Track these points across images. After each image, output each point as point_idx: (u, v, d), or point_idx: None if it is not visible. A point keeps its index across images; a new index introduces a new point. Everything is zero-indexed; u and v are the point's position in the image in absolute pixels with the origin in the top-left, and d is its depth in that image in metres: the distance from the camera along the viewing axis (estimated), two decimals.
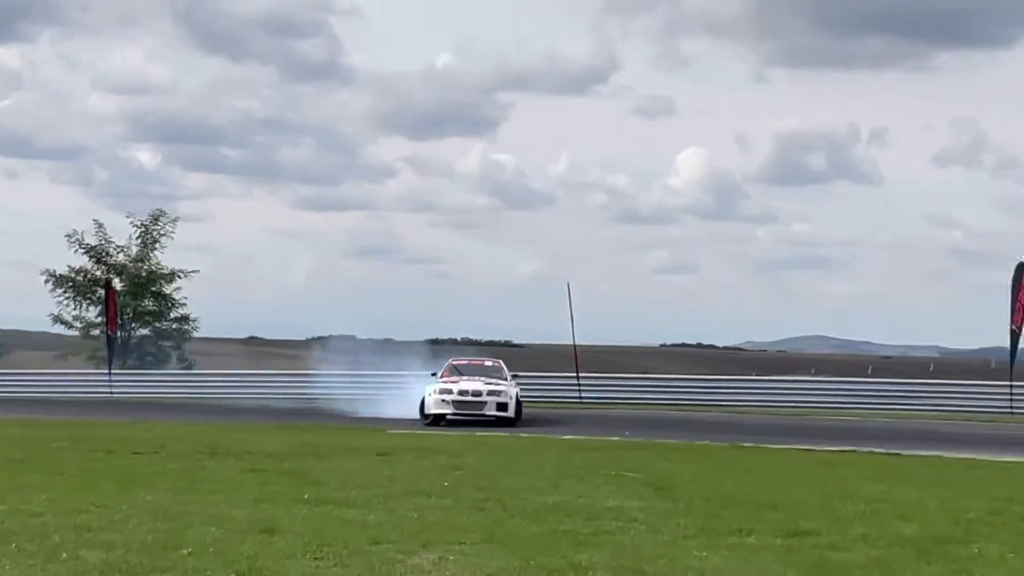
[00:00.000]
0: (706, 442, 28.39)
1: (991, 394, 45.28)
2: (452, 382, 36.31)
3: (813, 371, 71.26)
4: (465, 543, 12.55)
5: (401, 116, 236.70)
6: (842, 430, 35.01)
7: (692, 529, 13.77)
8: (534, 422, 35.71)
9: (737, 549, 12.60)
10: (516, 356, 57.30)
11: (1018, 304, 43.68)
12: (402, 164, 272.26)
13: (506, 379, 37.15)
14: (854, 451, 26.66)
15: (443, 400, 35.64)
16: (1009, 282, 44.58)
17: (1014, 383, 43.92)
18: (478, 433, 30.38)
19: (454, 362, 38.52)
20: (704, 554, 12.24)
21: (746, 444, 27.73)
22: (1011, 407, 43.38)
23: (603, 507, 15.48)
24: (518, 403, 35.98)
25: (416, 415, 36.11)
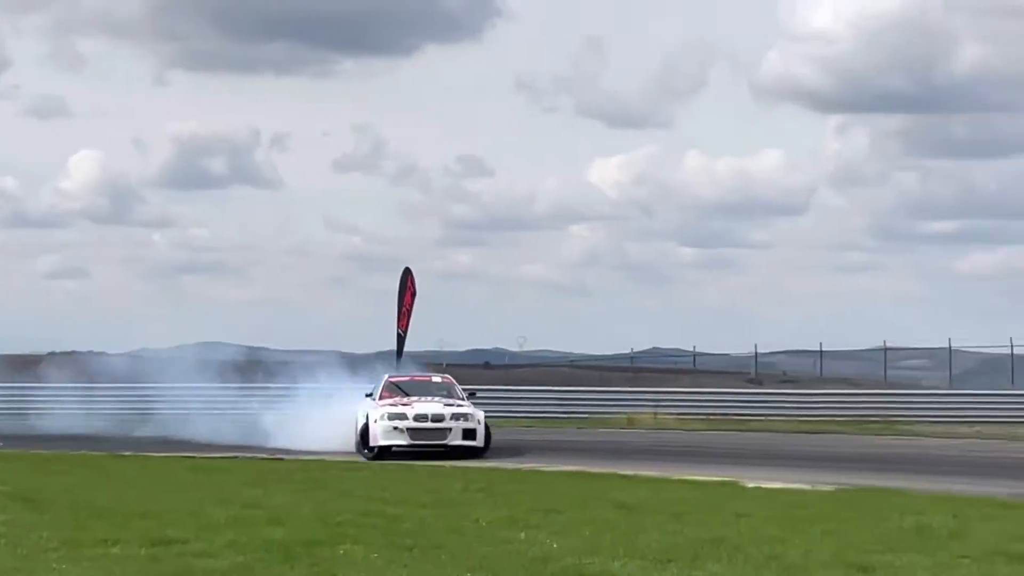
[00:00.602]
0: (84, 452, 27.67)
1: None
2: (403, 404, 29.12)
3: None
4: None
5: None
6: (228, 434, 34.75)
7: (55, 541, 13.20)
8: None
9: (101, 560, 12.17)
10: None
11: (404, 308, 44.97)
12: None
13: (463, 398, 30.23)
14: (235, 457, 26.60)
15: (395, 428, 28.41)
16: (397, 286, 45.83)
17: None
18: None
19: (393, 379, 31.40)
20: (65, 566, 11.78)
21: (125, 453, 27.20)
22: None
23: None
24: (487, 428, 28.98)
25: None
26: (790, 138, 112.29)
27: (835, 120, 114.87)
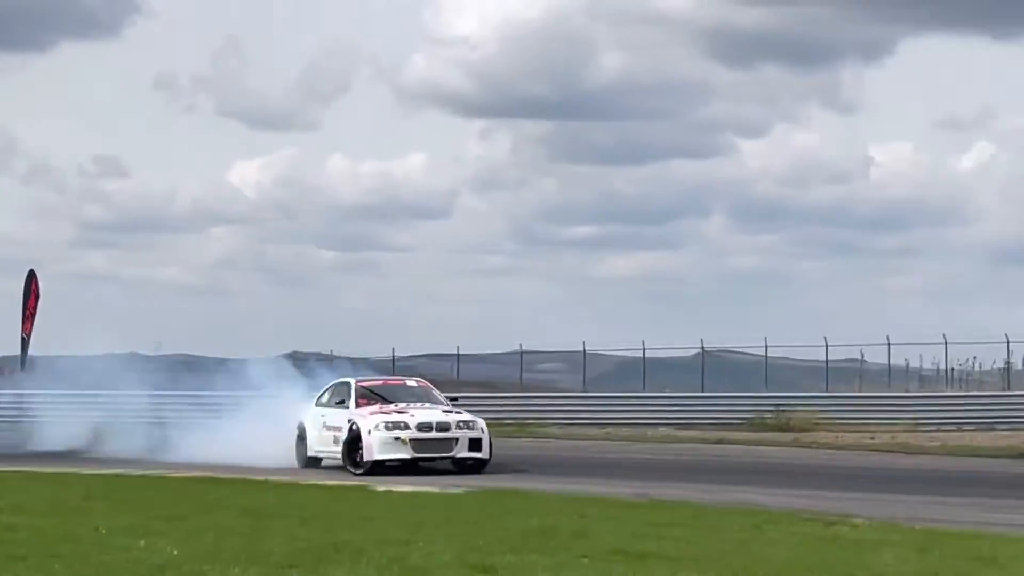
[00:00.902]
0: None
1: None
2: (398, 412, 25.55)
3: None
4: None
5: None
6: None
7: None
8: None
9: None
10: None
11: (28, 312, 43.84)
12: None
13: (446, 404, 26.87)
14: None
15: (396, 439, 24.87)
16: (22, 289, 44.62)
17: None
18: None
19: (363, 383, 27.40)
20: None
21: None
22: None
23: None
24: (490, 439, 25.84)
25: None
26: (434, 142, 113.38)
27: (478, 125, 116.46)
